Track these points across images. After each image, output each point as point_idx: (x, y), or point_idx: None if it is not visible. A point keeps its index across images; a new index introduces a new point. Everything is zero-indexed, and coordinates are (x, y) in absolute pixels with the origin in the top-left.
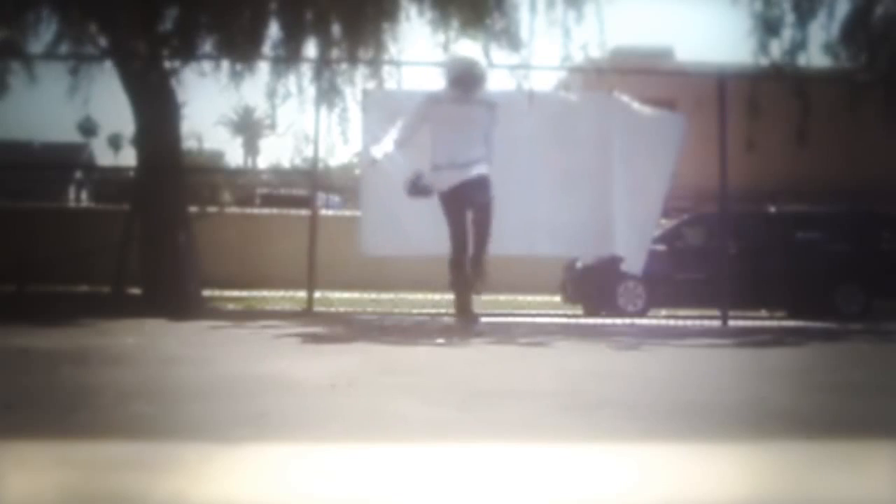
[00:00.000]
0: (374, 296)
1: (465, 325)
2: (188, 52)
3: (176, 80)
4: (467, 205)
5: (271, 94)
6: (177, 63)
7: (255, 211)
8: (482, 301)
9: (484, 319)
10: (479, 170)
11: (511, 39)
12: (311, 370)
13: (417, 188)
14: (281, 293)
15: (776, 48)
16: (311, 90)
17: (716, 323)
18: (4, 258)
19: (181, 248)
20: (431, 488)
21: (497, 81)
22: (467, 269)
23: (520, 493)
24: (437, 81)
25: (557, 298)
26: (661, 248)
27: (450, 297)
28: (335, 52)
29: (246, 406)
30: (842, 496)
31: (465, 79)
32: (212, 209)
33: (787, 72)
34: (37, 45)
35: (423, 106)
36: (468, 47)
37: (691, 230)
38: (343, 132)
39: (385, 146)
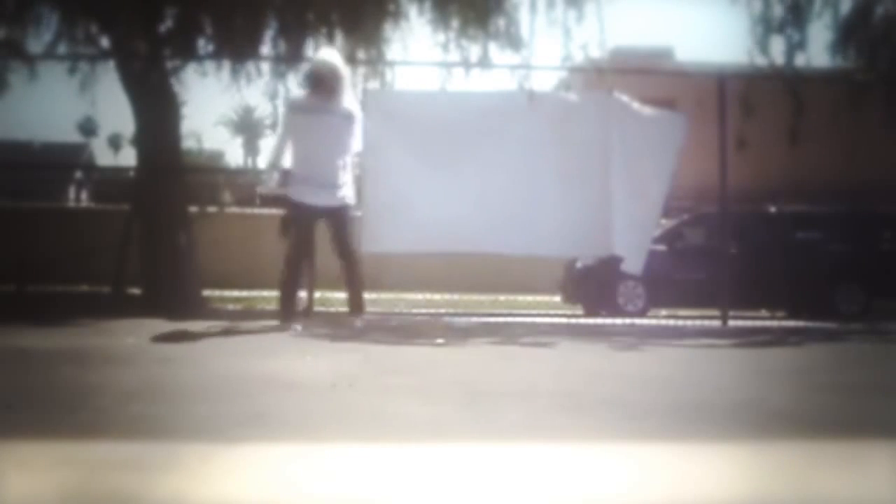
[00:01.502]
0: (374, 296)
1: (281, 327)
2: (188, 52)
3: (176, 80)
4: (318, 222)
5: (272, 94)
6: (177, 63)
7: (255, 211)
8: (482, 301)
9: (482, 319)
10: (341, 196)
11: (511, 39)
12: (311, 370)
13: (266, 198)
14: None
15: (776, 48)
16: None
17: (716, 323)
18: (4, 258)
19: (181, 248)
20: (432, 488)
21: (493, 81)
22: (307, 281)
23: (520, 493)
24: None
25: (557, 298)
26: (661, 248)
27: (450, 297)
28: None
29: (246, 406)
30: (842, 496)
31: (315, 80)
32: (212, 209)
33: (786, 72)
34: (37, 45)
35: (285, 116)
36: (331, 52)
37: (691, 230)
38: None
39: (273, 181)
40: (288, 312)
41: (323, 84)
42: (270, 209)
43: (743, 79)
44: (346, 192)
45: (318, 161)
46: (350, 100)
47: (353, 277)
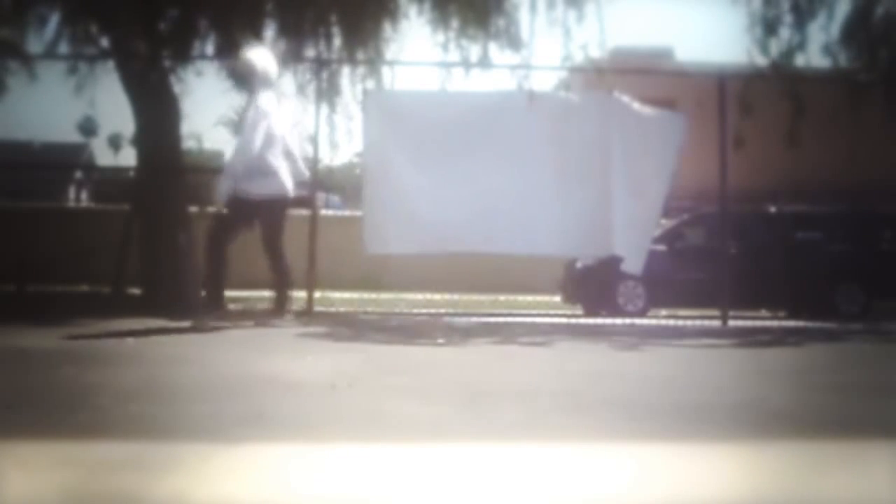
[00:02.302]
0: (374, 296)
1: (204, 315)
2: (188, 52)
3: (176, 80)
4: (253, 218)
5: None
6: (177, 63)
7: None
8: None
9: (482, 319)
10: (279, 190)
11: (511, 39)
12: (311, 370)
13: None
14: None
15: (776, 48)
16: (310, 90)
17: (716, 323)
18: (4, 258)
19: (181, 248)
20: (431, 488)
21: (493, 81)
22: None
23: (520, 492)
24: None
25: (557, 298)
26: (661, 248)
27: (450, 297)
28: (335, 52)
29: (246, 406)
30: (842, 496)
31: (241, 82)
32: (212, 209)
33: (786, 72)
34: (37, 45)
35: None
36: (253, 48)
37: (691, 230)
38: (341, 132)
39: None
40: (211, 302)
41: (241, 81)
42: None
43: (743, 79)
44: (283, 191)
45: (253, 155)
46: (268, 96)
47: (277, 273)
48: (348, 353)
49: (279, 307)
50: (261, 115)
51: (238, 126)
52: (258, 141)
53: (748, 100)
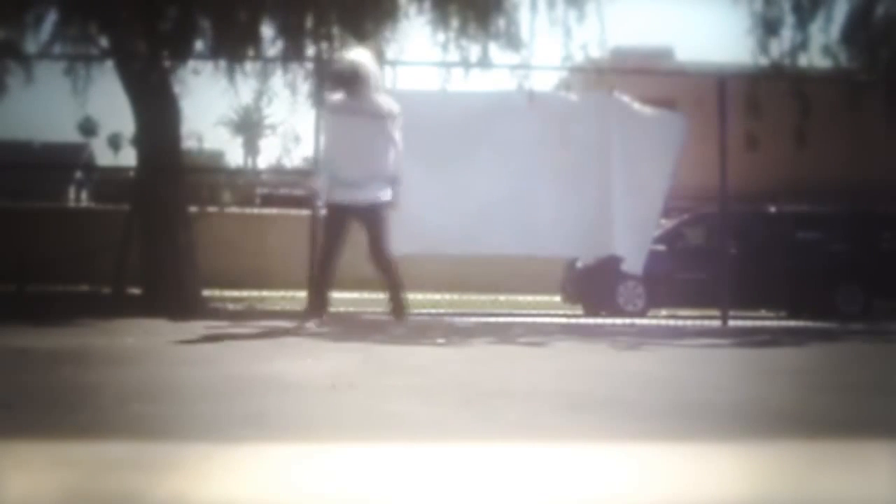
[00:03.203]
0: (374, 296)
1: (307, 319)
2: (188, 52)
3: (176, 80)
4: (352, 223)
5: (271, 94)
6: (176, 63)
7: (255, 211)
8: (482, 301)
9: (482, 320)
10: (377, 196)
11: (511, 39)
12: (311, 370)
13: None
14: (281, 293)
15: (776, 48)
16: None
17: (716, 323)
18: (4, 258)
19: (181, 248)
20: (431, 488)
21: (493, 81)
22: (329, 274)
23: (520, 493)
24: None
25: (557, 298)
26: (661, 248)
27: (451, 297)
28: (335, 52)
29: (246, 406)
30: (842, 496)
31: (343, 80)
32: (212, 209)
33: (787, 72)
34: (36, 45)
35: (323, 117)
36: (357, 50)
37: (691, 230)
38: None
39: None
40: (312, 308)
41: (349, 84)
42: (270, 209)
43: (743, 79)
44: (381, 191)
45: (349, 160)
46: (385, 98)
47: (389, 279)
48: (348, 353)
49: (398, 310)
50: (364, 119)
51: (337, 128)
52: (360, 145)
53: (757, 100)
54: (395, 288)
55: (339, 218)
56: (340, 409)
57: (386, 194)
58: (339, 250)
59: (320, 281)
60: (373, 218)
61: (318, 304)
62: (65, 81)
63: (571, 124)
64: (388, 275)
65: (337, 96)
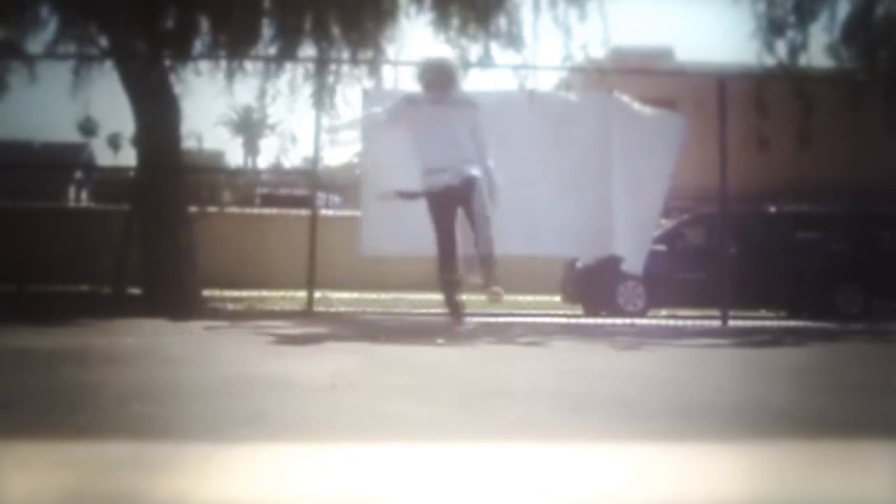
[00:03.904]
0: (374, 296)
1: (454, 324)
2: (188, 52)
3: (176, 80)
4: (457, 207)
5: (273, 94)
6: (177, 63)
7: (255, 211)
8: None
9: (482, 319)
10: (467, 172)
11: (511, 39)
12: (311, 370)
13: (405, 195)
14: (281, 293)
15: (776, 48)
16: (309, 90)
17: (716, 323)
18: (4, 258)
19: (181, 248)
20: (431, 488)
21: (493, 81)
22: (463, 271)
23: (520, 493)
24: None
25: (557, 298)
26: (661, 248)
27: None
28: (335, 52)
29: (246, 406)
30: (842, 496)
31: (435, 80)
32: (212, 209)
33: (787, 72)
34: (37, 45)
35: (399, 106)
36: (440, 47)
37: (691, 230)
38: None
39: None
40: (455, 310)
41: (438, 81)
42: (270, 209)
43: (743, 79)
44: (473, 170)
45: (443, 149)
46: (464, 93)
47: (482, 248)
48: (348, 353)
49: (487, 281)
50: (457, 109)
51: (424, 121)
52: (454, 133)
53: (760, 100)
54: (489, 275)
55: (442, 205)
56: (340, 409)
57: (476, 171)
58: (454, 239)
59: (449, 280)
60: (469, 195)
61: (455, 305)
62: (65, 81)
63: (571, 124)
64: (487, 261)
65: (419, 92)
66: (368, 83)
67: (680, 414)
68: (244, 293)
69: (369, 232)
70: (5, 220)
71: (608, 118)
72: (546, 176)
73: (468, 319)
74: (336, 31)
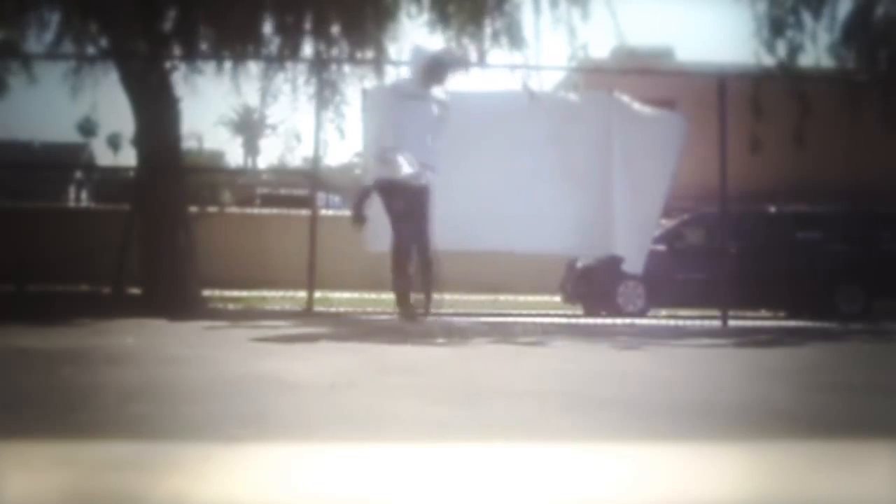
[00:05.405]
0: (374, 296)
1: (406, 325)
2: (188, 52)
3: (176, 80)
4: (408, 210)
5: (274, 94)
6: (177, 63)
7: (255, 211)
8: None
9: (483, 320)
10: (423, 176)
11: (511, 39)
12: (311, 370)
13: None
14: (281, 293)
15: (777, 49)
16: (310, 90)
17: (716, 323)
18: (4, 258)
19: (181, 248)
20: (431, 488)
21: (493, 81)
22: (414, 277)
23: (520, 493)
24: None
25: (557, 298)
26: (661, 248)
27: (451, 296)
28: (335, 52)
29: (246, 406)
30: (842, 496)
31: (431, 72)
32: (212, 209)
33: (787, 72)
34: (37, 45)
35: (388, 97)
36: (436, 43)
37: (691, 230)
38: (341, 131)
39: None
40: (407, 308)
41: (438, 68)
42: (270, 209)
43: (743, 79)
44: (429, 174)
45: (415, 141)
46: (447, 91)
47: (426, 275)
48: (348, 353)
49: (416, 311)
50: (437, 113)
51: (405, 111)
52: (427, 128)
53: (759, 101)
54: (428, 284)
55: (395, 200)
56: (340, 408)
57: (428, 179)
58: (411, 238)
59: (400, 282)
60: (423, 201)
61: (408, 305)
62: (65, 81)
63: (572, 124)
64: (427, 270)
65: (404, 81)
66: (369, 82)
67: (680, 414)
68: (244, 293)
69: (373, 225)
70: (5, 220)
71: (608, 118)
72: (546, 176)
73: (423, 319)
74: (336, 30)
